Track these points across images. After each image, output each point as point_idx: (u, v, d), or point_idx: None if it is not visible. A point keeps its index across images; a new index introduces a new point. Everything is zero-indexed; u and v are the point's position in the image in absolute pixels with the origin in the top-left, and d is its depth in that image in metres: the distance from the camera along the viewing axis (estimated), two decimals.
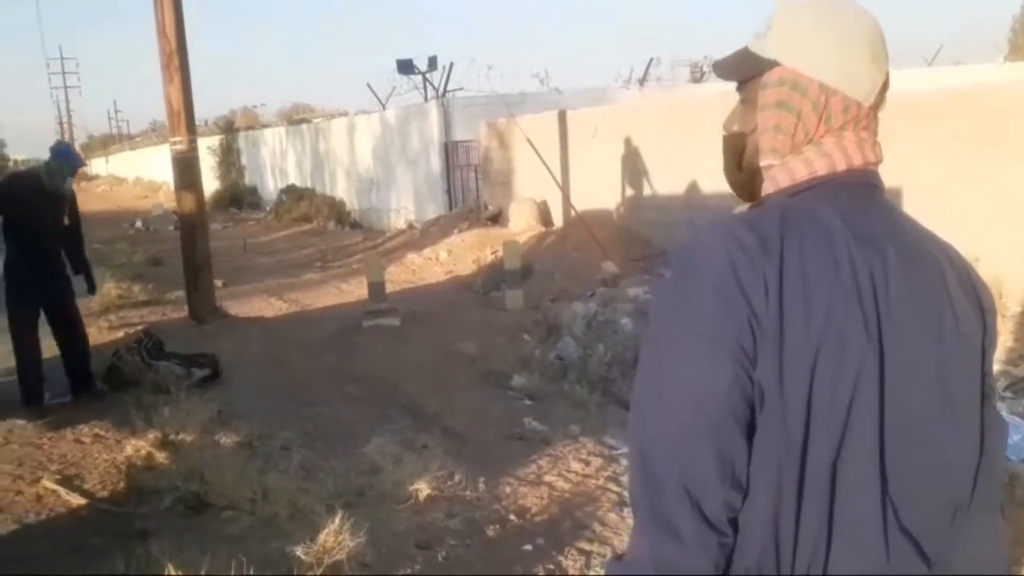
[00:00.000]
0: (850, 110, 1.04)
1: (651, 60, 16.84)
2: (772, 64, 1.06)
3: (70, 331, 5.75)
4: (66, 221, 5.67)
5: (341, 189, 19.16)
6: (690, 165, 8.76)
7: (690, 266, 0.99)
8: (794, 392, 0.93)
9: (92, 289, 6.20)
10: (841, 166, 1.03)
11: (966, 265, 1.08)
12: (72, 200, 5.77)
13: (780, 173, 1.06)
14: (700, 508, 0.93)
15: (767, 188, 1.08)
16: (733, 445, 0.94)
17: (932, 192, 6.27)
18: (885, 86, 1.06)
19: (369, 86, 17.41)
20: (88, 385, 5.74)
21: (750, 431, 0.95)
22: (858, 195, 1.04)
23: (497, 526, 3.63)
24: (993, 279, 5.47)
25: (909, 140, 6.53)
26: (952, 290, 1.02)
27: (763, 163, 1.08)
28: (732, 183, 1.15)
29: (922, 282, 1.01)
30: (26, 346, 5.49)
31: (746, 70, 1.09)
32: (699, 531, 0.93)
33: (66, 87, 63.68)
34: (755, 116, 1.08)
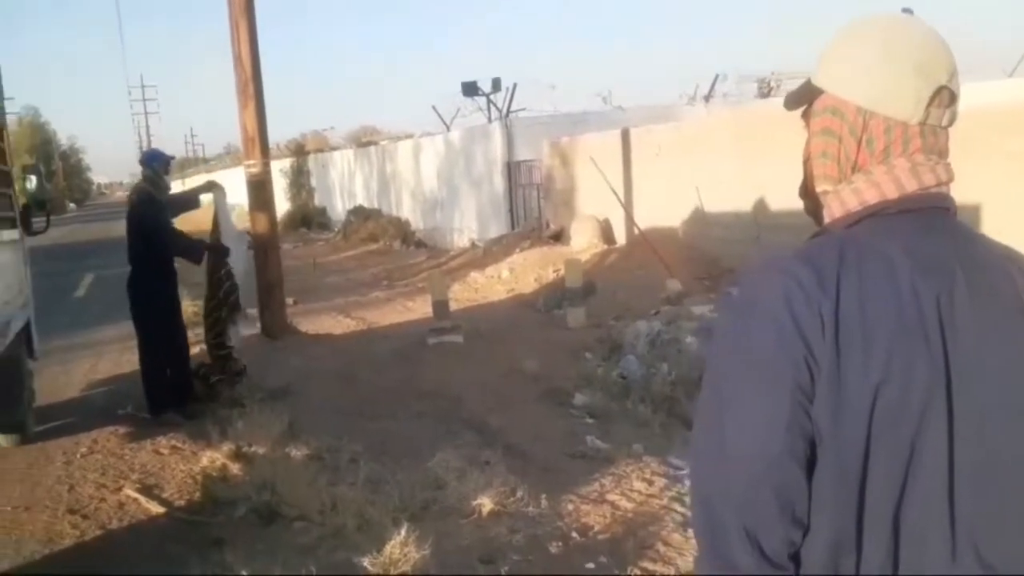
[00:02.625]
0: (893, 130, 1.02)
1: (717, 76, 16.72)
2: (819, 92, 1.08)
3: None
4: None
5: (406, 209, 19.52)
6: (758, 181, 8.65)
7: (748, 305, 1.00)
8: (851, 430, 0.93)
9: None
10: (892, 194, 1.01)
11: None
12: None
13: (834, 202, 1.07)
14: (759, 546, 0.94)
15: (826, 217, 1.09)
16: (793, 483, 0.95)
17: (1014, 208, 6.04)
18: (946, 100, 1.02)
19: (434, 108, 17.77)
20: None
21: (811, 468, 0.95)
22: (920, 221, 1.01)
23: (560, 543, 3.63)
24: None
25: (989, 155, 6.31)
26: None
27: (818, 189, 1.10)
28: (805, 209, 1.17)
29: (996, 306, 0.97)
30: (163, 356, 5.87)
31: (802, 100, 1.12)
32: (758, 567, 0.94)
33: (146, 113, 66.94)
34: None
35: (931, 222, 1.01)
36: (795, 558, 0.96)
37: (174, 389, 5.84)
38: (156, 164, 6.01)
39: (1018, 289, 1.00)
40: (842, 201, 1.05)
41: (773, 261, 1.01)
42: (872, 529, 0.94)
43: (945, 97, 1.02)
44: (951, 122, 1.04)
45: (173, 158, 6.63)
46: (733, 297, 1.04)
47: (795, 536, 0.95)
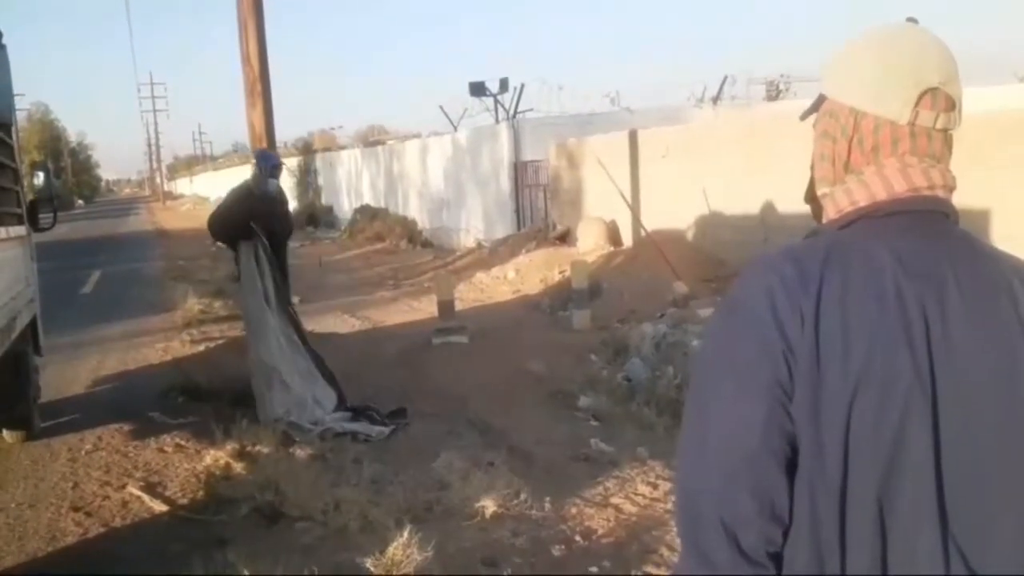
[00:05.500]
0: (881, 129, 1.03)
1: (725, 78, 16.67)
2: (823, 99, 1.11)
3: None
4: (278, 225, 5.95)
5: (413, 209, 19.54)
6: (766, 184, 8.62)
7: (732, 303, 1.01)
8: (830, 428, 0.92)
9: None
10: (882, 195, 1.02)
11: None
12: (281, 203, 6.11)
13: (829, 204, 1.08)
14: (736, 541, 0.94)
15: (823, 219, 1.10)
16: (771, 480, 0.94)
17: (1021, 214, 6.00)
18: (941, 103, 1.02)
19: (442, 108, 17.81)
20: None
21: (792, 466, 0.95)
22: (911, 224, 1.00)
23: (563, 546, 3.62)
24: None
25: (1000, 161, 6.27)
26: None
27: (819, 192, 1.11)
28: (812, 214, 1.18)
29: (990, 314, 0.96)
30: None
31: (813, 110, 1.14)
32: (734, 562, 0.94)
33: (155, 111, 66.83)
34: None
35: (923, 226, 1.01)
36: (777, 559, 0.96)
37: None
38: (262, 163, 6.05)
39: (1015, 300, 0.98)
40: (835, 202, 1.06)
41: (761, 259, 1.01)
42: (855, 532, 0.93)
43: (939, 100, 1.01)
44: (947, 126, 1.03)
45: (281, 164, 6.47)
46: (724, 295, 1.05)
47: (773, 534, 0.95)
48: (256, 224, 5.66)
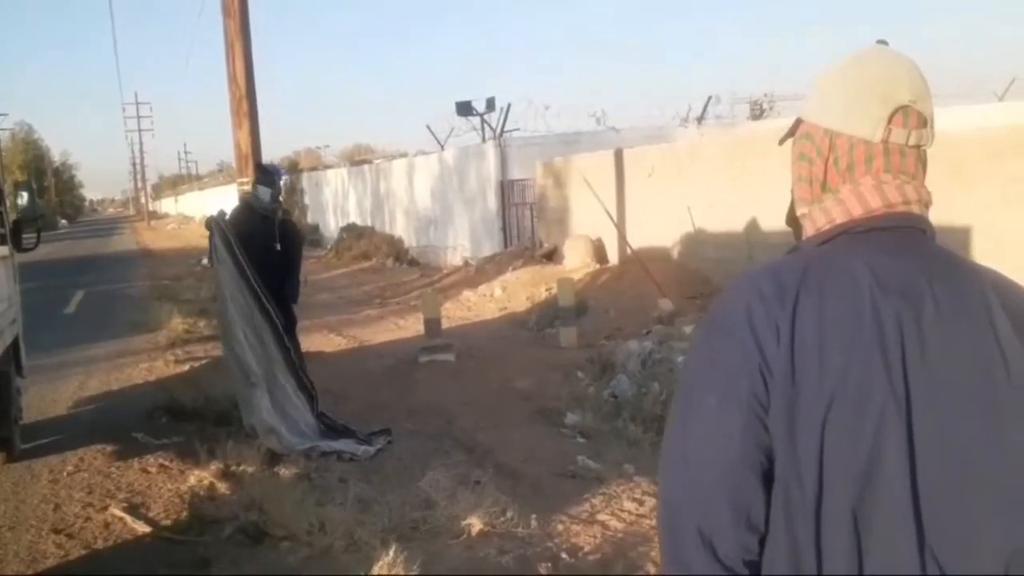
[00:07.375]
0: (856, 148, 1.05)
1: (709, 98, 16.84)
2: (800, 123, 1.14)
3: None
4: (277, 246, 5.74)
5: (400, 227, 19.55)
6: (750, 201, 8.70)
7: (714, 318, 1.03)
8: (805, 441, 0.94)
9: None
10: (858, 211, 1.04)
11: None
12: (283, 223, 5.89)
13: (807, 223, 1.10)
14: (713, 549, 0.96)
15: (802, 238, 1.12)
16: (748, 491, 0.96)
17: (1006, 233, 6.07)
18: (912, 121, 1.04)
19: (429, 128, 17.90)
20: None
21: (769, 477, 0.96)
22: (888, 240, 1.02)
23: (549, 564, 3.60)
24: None
25: (980, 179, 6.35)
26: (1003, 338, 0.97)
27: (798, 212, 1.14)
28: (794, 236, 1.20)
29: (966, 330, 0.97)
30: None
31: (790, 134, 1.17)
32: (711, 570, 0.96)
33: (140, 130, 66.49)
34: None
35: (900, 242, 1.03)
36: (755, 566, 0.97)
37: None
38: (260, 175, 5.97)
39: (992, 317, 0.98)
40: (813, 220, 1.09)
41: (743, 275, 1.04)
42: (830, 542, 0.94)
43: (911, 118, 1.04)
44: (919, 142, 1.05)
45: (280, 172, 6.25)
46: (707, 312, 1.07)
47: (750, 542, 0.96)
48: (257, 239, 5.53)
